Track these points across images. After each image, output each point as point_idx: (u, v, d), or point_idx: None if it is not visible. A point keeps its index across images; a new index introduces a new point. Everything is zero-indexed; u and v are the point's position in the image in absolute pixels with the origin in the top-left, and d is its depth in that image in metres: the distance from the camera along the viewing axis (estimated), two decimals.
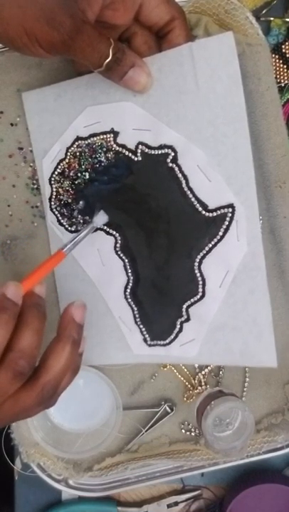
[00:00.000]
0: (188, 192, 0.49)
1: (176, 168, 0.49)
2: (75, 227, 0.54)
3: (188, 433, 0.59)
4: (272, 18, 0.57)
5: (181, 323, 0.52)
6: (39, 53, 0.42)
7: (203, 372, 0.58)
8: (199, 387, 0.58)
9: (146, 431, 0.59)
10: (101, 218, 0.52)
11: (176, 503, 0.62)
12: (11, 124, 0.55)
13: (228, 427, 0.55)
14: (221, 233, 0.49)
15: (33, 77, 0.54)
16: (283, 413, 0.58)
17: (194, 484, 0.63)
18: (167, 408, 0.58)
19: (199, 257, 0.50)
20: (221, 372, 0.58)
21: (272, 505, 0.60)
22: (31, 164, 0.56)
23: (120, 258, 0.53)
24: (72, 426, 0.59)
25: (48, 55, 0.42)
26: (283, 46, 0.56)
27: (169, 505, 0.62)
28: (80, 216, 0.53)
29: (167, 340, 0.53)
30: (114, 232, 0.53)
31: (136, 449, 0.59)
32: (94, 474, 0.59)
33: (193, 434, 0.59)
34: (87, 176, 0.52)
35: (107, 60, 0.43)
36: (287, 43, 0.56)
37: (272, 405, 0.58)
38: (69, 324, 0.44)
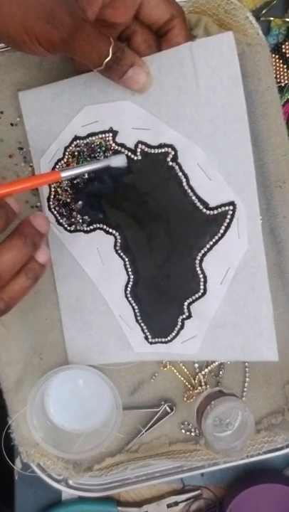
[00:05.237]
0: (189, 190, 0.49)
1: (177, 167, 0.49)
2: (74, 226, 0.54)
3: (188, 433, 0.59)
4: (272, 18, 0.57)
5: (183, 321, 0.53)
6: (39, 52, 0.42)
7: (203, 372, 0.58)
8: (199, 387, 0.58)
9: (146, 431, 0.58)
10: (119, 159, 0.50)
11: (176, 503, 0.62)
12: (11, 124, 0.55)
13: (228, 427, 0.55)
14: (222, 231, 0.49)
15: (33, 77, 0.54)
16: (283, 413, 0.58)
17: (194, 484, 0.63)
18: (167, 408, 0.58)
19: (200, 254, 0.50)
20: (221, 372, 0.58)
21: (272, 505, 0.60)
22: (31, 164, 0.55)
23: (120, 257, 0.53)
24: (72, 426, 0.59)
25: (48, 54, 0.42)
26: (283, 46, 0.57)
27: (169, 505, 0.61)
28: (79, 216, 0.53)
29: (168, 338, 0.54)
30: (113, 232, 0.53)
31: (136, 449, 0.59)
32: (94, 474, 0.58)
33: (193, 434, 0.59)
34: (86, 176, 0.52)
35: (107, 59, 0.43)
36: (287, 43, 0.56)
37: (272, 405, 0.58)
38: (23, 224, 0.42)
